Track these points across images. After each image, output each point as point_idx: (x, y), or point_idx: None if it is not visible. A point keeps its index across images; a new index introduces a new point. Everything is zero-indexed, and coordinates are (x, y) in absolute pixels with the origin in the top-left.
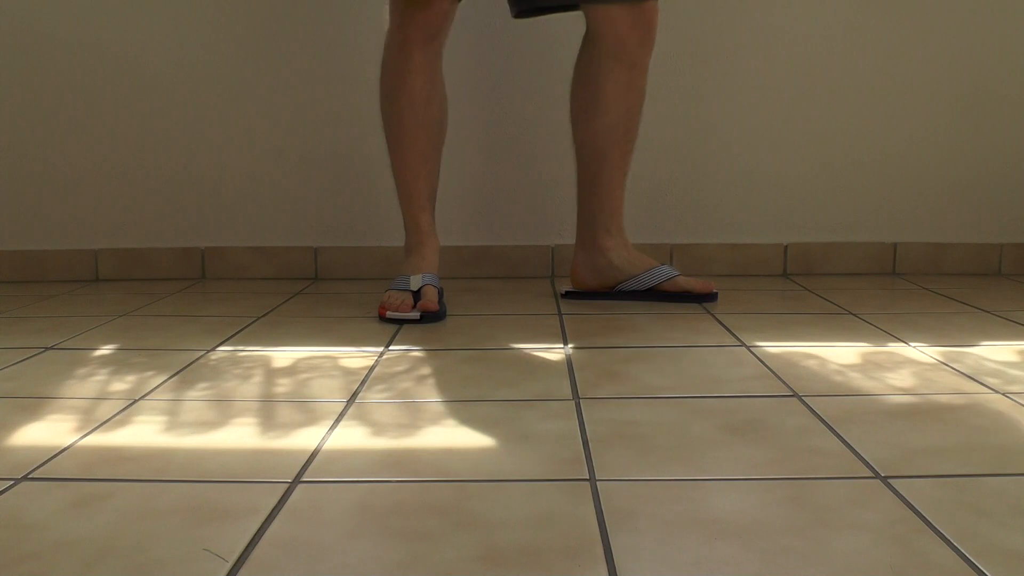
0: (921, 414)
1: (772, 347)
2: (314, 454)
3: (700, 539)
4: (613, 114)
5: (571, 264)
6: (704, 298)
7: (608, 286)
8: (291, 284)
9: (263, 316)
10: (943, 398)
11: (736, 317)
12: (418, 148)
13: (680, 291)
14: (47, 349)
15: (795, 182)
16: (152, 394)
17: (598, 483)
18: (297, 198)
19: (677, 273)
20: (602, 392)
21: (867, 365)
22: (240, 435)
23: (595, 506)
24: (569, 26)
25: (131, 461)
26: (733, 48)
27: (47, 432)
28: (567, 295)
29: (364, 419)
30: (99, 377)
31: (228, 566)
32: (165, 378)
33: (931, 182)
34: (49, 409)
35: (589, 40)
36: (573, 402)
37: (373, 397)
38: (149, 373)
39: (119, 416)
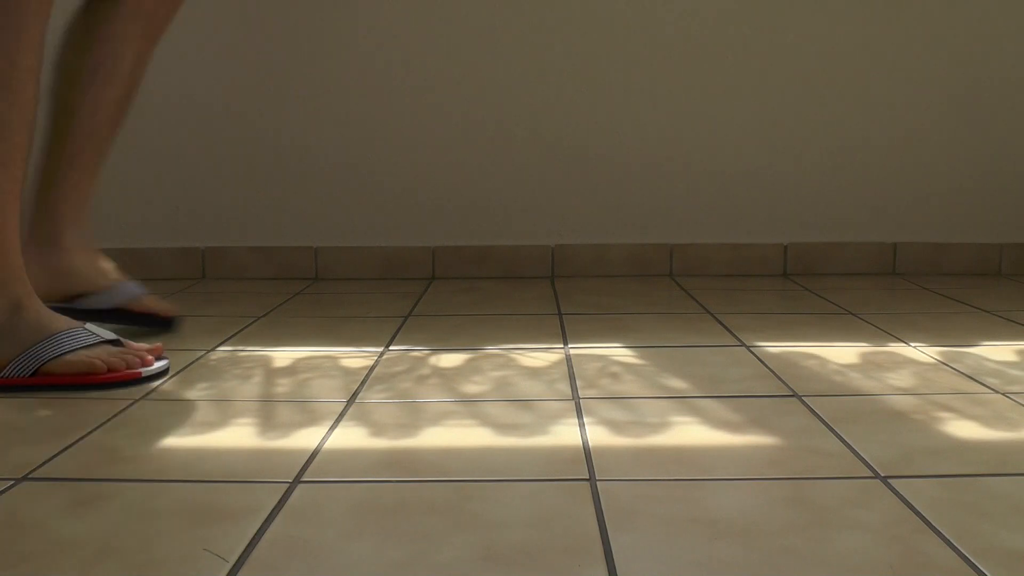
0: (921, 414)
1: (772, 347)
2: (314, 454)
3: (700, 539)
4: (123, 88)
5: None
6: (165, 323)
7: (64, 296)
8: (291, 284)
9: (263, 316)
10: (943, 398)
11: (736, 317)
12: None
13: (144, 312)
14: None
15: (795, 182)
16: (152, 394)
17: (598, 483)
18: (297, 198)
19: (143, 292)
20: (602, 392)
21: (867, 365)
22: (240, 435)
23: (595, 506)
24: (571, 26)
25: (131, 461)
26: (733, 47)
27: (48, 432)
28: None
29: (364, 419)
30: None
31: (228, 566)
32: (165, 378)
33: (931, 182)
34: (50, 409)
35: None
36: (573, 402)
37: (373, 397)
38: None
39: (119, 416)
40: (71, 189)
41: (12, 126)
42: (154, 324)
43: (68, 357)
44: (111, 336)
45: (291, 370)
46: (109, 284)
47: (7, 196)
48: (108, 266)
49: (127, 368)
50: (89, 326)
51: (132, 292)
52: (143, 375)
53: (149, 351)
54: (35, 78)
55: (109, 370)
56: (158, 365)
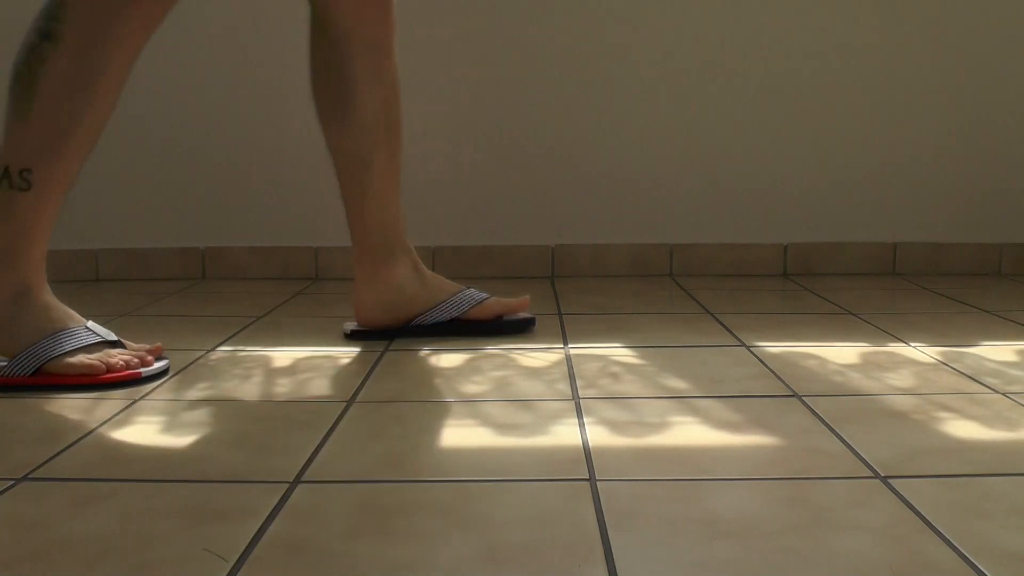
0: (921, 414)
1: (772, 347)
2: (314, 454)
3: (700, 539)
4: (369, 109)
5: (353, 298)
6: (520, 326)
7: (402, 321)
8: (291, 284)
9: (263, 316)
10: (943, 398)
11: (736, 317)
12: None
13: (493, 316)
14: None
15: (795, 182)
16: (152, 394)
17: (598, 483)
18: (297, 198)
19: (486, 296)
20: (602, 392)
21: (867, 365)
22: (240, 435)
23: (595, 506)
24: (571, 26)
25: (131, 461)
26: (733, 49)
27: (47, 432)
28: (353, 335)
29: (364, 419)
30: None
31: (228, 566)
32: (165, 378)
33: (931, 182)
34: (49, 409)
35: (319, 27)
36: (573, 402)
37: (374, 397)
38: None
39: (119, 416)
40: (373, 223)
41: (83, 125)
42: (509, 331)
43: (68, 359)
44: (112, 337)
45: (291, 370)
46: (445, 298)
47: (55, 187)
48: (440, 280)
49: (127, 368)
50: (91, 325)
51: (470, 300)
52: (143, 375)
53: (149, 351)
54: (118, 88)
55: (108, 370)
56: (158, 365)
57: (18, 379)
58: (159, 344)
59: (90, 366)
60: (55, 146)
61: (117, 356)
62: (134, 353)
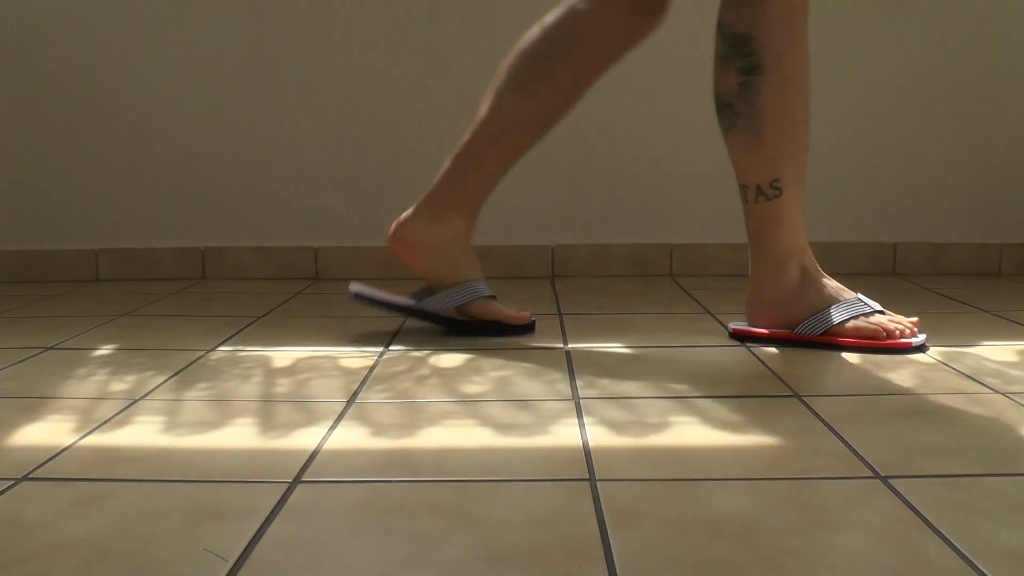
0: (921, 414)
1: (772, 347)
2: (314, 454)
3: (700, 539)
4: (554, 97)
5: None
6: (521, 327)
7: (427, 286)
8: (291, 284)
9: (263, 316)
10: (943, 398)
11: (736, 317)
12: None
13: (491, 320)
14: (47, 349)
15: None
16: (152, 394)
17: (598, 483)
18: (297, 198)
19: (492, 295)
20: (602, 392)
21: (867, 365)
22: (240, 435)
23: (595, 506)
24: None
25: (131, 461)
26: None
27: (47, 432)
28: (358, 298)
29: (364, 419)
30: (99, 377)
31: (228, 566)
32: (165, 378)
33: (931, 182)
34: (49, 409)
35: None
36: (573, 402)
37: (373, 397)
38: (149, 373)
39: (119, 416)
40: (465, 177)
41: (804, 123)
42: (505, 332)
43: (852, 323)
44: (877, 307)
45: (291, 370)
46: (457, 282)
47: (798, 182)
48: (469, 264)
49: (900, 337)
50: (861, 296)
51: (475, 293)
52: (913, 345)
53: (913, 323)
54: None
55: (888, 336)
56: (920, 338)
57: (807, 337)
58: (917, 319)
59: (875, 331)
60: (790, 150)
61: (891, 324)
62: (899, 322)
